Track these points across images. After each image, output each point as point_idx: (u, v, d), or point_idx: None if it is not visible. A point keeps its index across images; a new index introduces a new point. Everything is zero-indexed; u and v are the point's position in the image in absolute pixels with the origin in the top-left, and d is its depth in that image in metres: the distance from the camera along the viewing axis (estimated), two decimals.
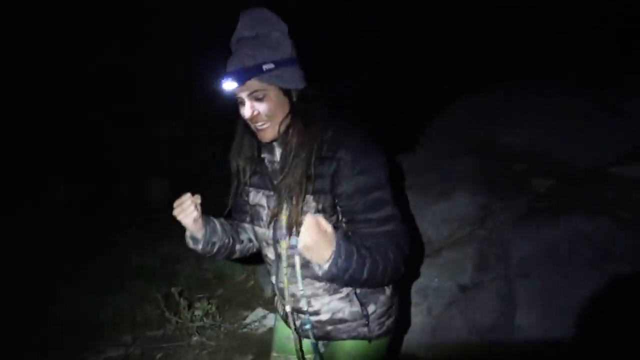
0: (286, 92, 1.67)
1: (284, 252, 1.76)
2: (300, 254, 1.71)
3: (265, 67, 1.60)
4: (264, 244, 1.88)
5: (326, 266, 1.49)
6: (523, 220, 3.27)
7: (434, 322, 3.27)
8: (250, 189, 1.88)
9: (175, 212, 1.81)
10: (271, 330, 3.85)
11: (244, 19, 1.67)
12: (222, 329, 3.97)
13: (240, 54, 1.63)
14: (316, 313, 1.85)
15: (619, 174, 3.42)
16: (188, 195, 1.83)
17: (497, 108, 4.42)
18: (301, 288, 1.79)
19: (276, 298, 2.11)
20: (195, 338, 3.85)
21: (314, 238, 1.44)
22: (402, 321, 2.11)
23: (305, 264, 1.73)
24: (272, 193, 1.79)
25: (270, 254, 1.85)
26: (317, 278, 1.73)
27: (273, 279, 1.89)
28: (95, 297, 4.49)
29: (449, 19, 7.02)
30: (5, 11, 7.17)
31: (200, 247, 1.92)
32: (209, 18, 7.89)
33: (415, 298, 3.29)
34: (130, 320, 4.18)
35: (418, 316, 3.28)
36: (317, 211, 1.66)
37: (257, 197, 1.86)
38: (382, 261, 1.57)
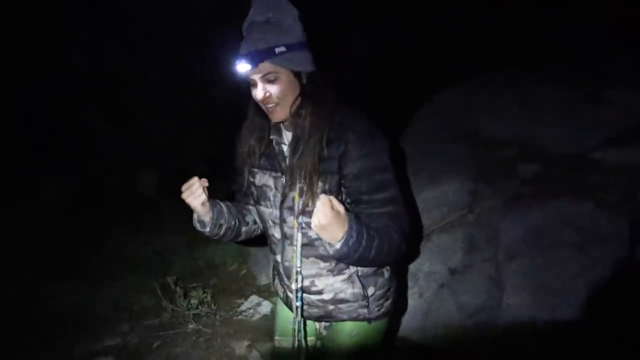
0: (297, 75, 1.73)
1: (293, 232, 1.80)
2: (305, 234, 1.78)
3: (277, 50, 1.67)
4: (270, 223, 1.93)
5: (338, 245, 1.56)
6: (510, 204, 3.36)
7: (425, 305, 3.37)
8: (257, 170, 1.94)
9: (184, 195, 1.87)
10: (266, 317, 3.98)
11: (256, 3, 1.73)
12: (218, 316, 4.03)
13: (252, 37, 1.69)
14: (319, 292, 1.92)
15: (602, 159, 3.50)
16: (195, 178, 1.88)
17: (484, 96, 4.50)
18: (299, 265, 1.82)
19: (276, 281, 2.18)
20: (191, 326, 3.90)
21: (329, 217, 1.50)
22: (399, 303, 2.18)
23: (310, 244, 1.80)
24: (279, 174, 1.85)
25: (277, 233, 1.91)
26: (322, 258, 1.82)
27: (278, 257, 1.95)
28: (92, 289, 4.52)
29: (436, 9, 7.09)
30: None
31: (207, 229, 1.98)
32: (200, 12, 7.91)
33: (407, 285, 3.39)
34: (127, 310, 4.22)
35: (410, 299, 3.37)
36: (323, 191, 1.72)
37: (264, 179, 1.91)
38: (388, 241, 1.65)
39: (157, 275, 4.53)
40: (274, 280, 2.21)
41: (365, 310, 1.94)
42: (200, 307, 4.03)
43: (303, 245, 1.80)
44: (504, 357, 3.07)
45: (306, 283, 1.90)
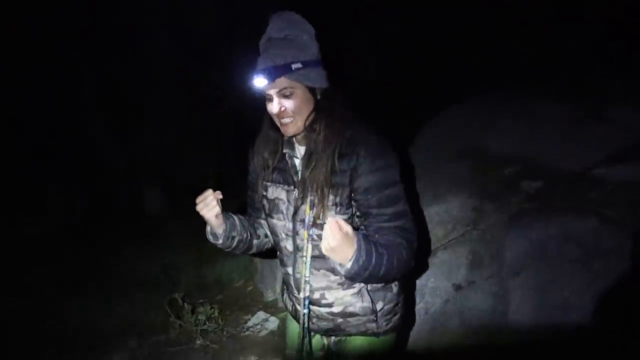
0: (311, 91, 1.80)
1: (305, 243, 1.85)
2: (316, 246, 1.81)
3: (294, 66, 1.73)
4: (283, 235, 1.97)
5: (348, 265, 1.61)
6: (514, 220, 3.40)
7: (431, 321, 3.40)
8: (269, 184, 1.98)
9: (199, 208, 1.91)
10: (273, 333, 4.02)
11: (274, 21, 1.80)
12: (225, 332, 4.08)
13: (270, 53, 1.75)
14: (329, 305, 1.95)
15: (604, 176, 3.55)
16: (210, 191, 1.92)
17: (486, 114, 4.57)
18: (307, 275, 1.88)
19: (284, 295, 2.22)
20: (199, 341, 3.94)
21: (337, 239, 1.55)
22: (407, 318, 2.20)
23: (322, 256, 1.84)
24: (291, 187, 1.89)
25: (289, 245, 1.95)
26: (333, 271, 1.86)
27: (289, 269, 1.99)
28: (100, 305, 4.58)
29: (437, 27, 7.18)
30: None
31: (220, 241, 2.02)
32: (205, 27, 8.00)
33: (414, 297, 3.43)
34: (136, 325, 4.27)
35: (416, 315, 3.41)
36: (334, 204, 1.78)
37: (277, 192, 1.95)
38: (396, 257, 1.70)
39: (164, 291, 4.58)
40: (282, 294, 2.25)
41: (374, 325, 1.97)
42: (207, 323, 4.07)
43: (314, 257, 1.85)
44: None
45: (316, 295, 1.94)
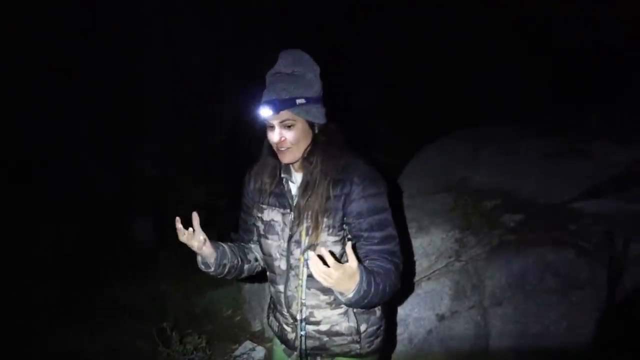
0: (311, 125, 1.93)
1: (299, 264, 1.96)
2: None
3: (298, 101, 1.86)
4: (277, 255, 2.04)
5: (350, 295, 1.69)
6: (495, 252, 3.52)
7: (415, 351, 3.46)
8: (265, 206, 2.07)
9: (184, 239, 1.97)
10: None
11: (284, 57, 1.93)
12: None
13: (277, 86, 1.88)
14: (317, 323, 2.02)
15: (581, 209, 3.70)
16: (179, 225, 1.97)
17: (470, 149, 4.72)
18: (304, 298, 1.98)
19: (271, 317, 2.28)
20: None
21: (334, 279, 1.63)
22: (389, 342, 2.27)
23: (312, 276, 1.94)
24: (288, 211, 1.99)
25: (282, 264, 2.03)
26: (323, 291, 1.95)
27: (280, 287, 2.06)
28: (88, 334, 4.57)
29: (423, 65, 7.36)
30: None
31: (212, 269, 2.10)
32: (198, 58, 8.11)
33: (397, 328, 3.50)
34: (123, 354, 4.28)
35: (400, 345, 3.46)
36: (327, 226, 1.89)
37: (272, 214, 2.04)
38: (388, 284, 1.80)
39: (153, 320, 4.58)
40: (268, 317, 2.30)
41: (357, 346, 2.05)
42: (195, 352, 4.08)
43: (307, 277, 1.95)
44: None
45: (305, 314, 2.02)
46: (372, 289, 1.72)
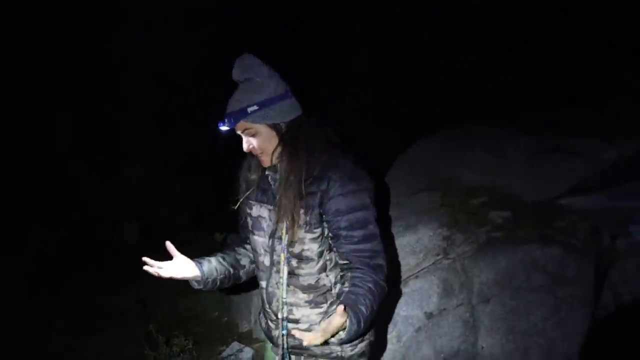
0: (274, 127, 1.90)
1: (281, 265, 1.94)
2: (289, 263, 1.93)
3: (249, 109, 1.86)
4: (262, 251, 2.05)
5: (343, 336, 1.73)
6: (482, 249, 3.50)
7: (403, 349, 3.44)
8: (254, 203, 2.07)
9: (162, 273, 2.03)
10: None
11: (235, 66, 1.93)
12: None
13: (233, 98, 1.90)
14: (296, 321, 2.00)
15: (568, 205, 3.70)
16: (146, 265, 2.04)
17: (456, 147, 4.71)
18: (284, 296, 1.96)
19: (261, 314, 2.26)
20: None
21: (330, 334, 1.69)
22: (376, 345, 2.20)
23: (291, 272, 1.94)
24: (272, 207, 1.98)
25: (266, 261, 2.03)
26: (302, 289, 1.94)
27: (263, 283, 2.06)
28: (74, 338, 4.54)
29: (409, 63, 7.37)
30: None
31: (202, 287, 2.13)
32: (182, 63, 8.08)
33: (385, 326, 3.48)
34: (110, 357, 4.24)
35: (388, 343, 3.44)
36: (305, 223, 1.87)
37: (260, 210, 2.05)
38: (375, 301, 1.81)
39: (139, 324, 4.56)
40: (259, 314, 2.29)
41: (339, 349, 2.00)
42: (182, 354, 4.05)
43: (287, 274, 1.95)
44: None
45: (285, 311, 2.00)
46: (362, 321, 1.74)
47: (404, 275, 3.60)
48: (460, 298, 3.42)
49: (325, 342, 1.91)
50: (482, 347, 3.28)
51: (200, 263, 2.10)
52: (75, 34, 7.78)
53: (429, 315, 3.43)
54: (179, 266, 2.05)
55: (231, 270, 2.18)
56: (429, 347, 3.38)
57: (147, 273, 1.98)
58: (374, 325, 2.10)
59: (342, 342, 1.80)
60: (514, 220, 3.68)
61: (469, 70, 6.93)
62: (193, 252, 2.14)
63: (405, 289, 3.54)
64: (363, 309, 1.75)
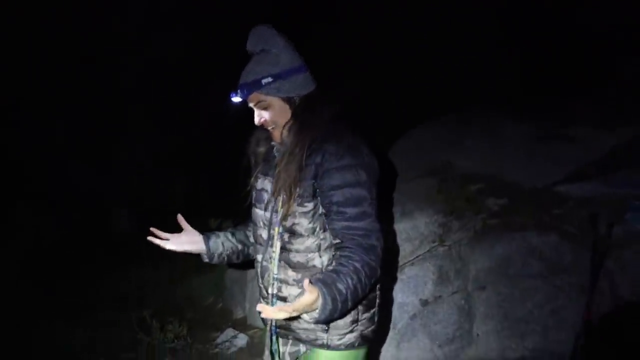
0: (288, 100, 1.86)
1: (275, 239, 1.90)
2: (282, 238, 1.88)
3: (264, 81, 1.81)
4: (261, 224, 2.00)
5: (316, 315, 1.64)
6: (479, 236, 3.49)
7: (398, 336, 3.43)
8: (260, 175, 2.04)
9: (167, 245, 2.02)
10: (241, 350, 4.01)
11: (249, 36, 1.88)
12: (194, 349, 4.05)
13: (246, 69, 1.85)
14: (284, 299, 1.93)
15: (565, 192, 3.68)
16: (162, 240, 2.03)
17: (454, 133, 4.68)
18: (275, 272, 1.92)
19: (258, 292, 2.22)
20: (167, 359, 3.91)
21: (300, 311, 1.60)
22: (371, 337, 2.08)
23: (283, 246, 1.89)
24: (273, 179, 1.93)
25: (264, 234, 1.98)
26: (291, 265, 1.89)
27: (259, 257, 2.02)
28: (68, 323, 4.53)
29: (405, 49, 7.33)
30: None
31: (208, 261, 2.12)
32: (174, 49, 8.03)
33: (382, 317, 3.45)
34: (103, 344, 4.22)
35: (381, 331, 3.44)
36: (299, 196, 1.81)
37: (264, 183, 2.01)
38: (360, 282, 1.70)
39: (133, 309, 4.54)
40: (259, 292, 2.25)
41: (324, 335, 1.93)
42: (176, 340, 4.04)
43: (279, 249, 1.90)
44: None
45: (275, 287, 1.95)
46: (339, 301, 1.64)
47: (399, 262, 3.58)
48: (456, 285, 3.41)
49: (296, 319, 1.85)
50: (478, 335, 3.27)
51: (207, 237, 2.10)
52: (71, 24, 7.72)
53: (424, 303, 3.42)
54: (186, 239, 2.05)
55: (239, 246, 2.16)
56: (424, 334, 3.37)
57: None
58: (370, 312, 2.03)
59: (317, 322, 1.68)
60: (511, 207, 3.67)
61: (466, 57, 6.90)
62: None
63: (400, 276, 3.52)
64: (342, 287, 1.65)
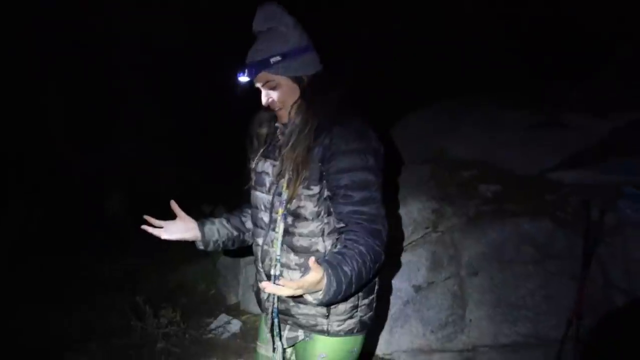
0: (296, 79, 1.81)
1: (278, 221, 1.85)
2: (285, 221, 1.84)
3: (272, 60, 1.76)
4: (262, 207, 1.96)
5: (320, 296, 1.58)
6: (472, 223, 3.50)
7: (391, 321, 3.45)
8: (259, 158, 1.99)
9: (162, 234, 1.99)
10: (235, 336, 4.02)
11: (256, 14, 1.83)
12: (187, 335, 4.04)
13: (254, 48, 1.80)
14: None
15: (559, 179, 3.70)
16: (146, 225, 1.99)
17: (448, 121, 4.68)
18: (279, 253, 1.87)
19: (256, 276, 2.14)
20: (160, 345, 3.90)
21: (305, 289, 1.54)
22: (369, 323, 2.04)
23: (286, 229, 1.84)
24: (276, 162, 1.88)
25: (265, 217, 1.93)
26: (294, 249, 1.85)
27: (260, 240, 1.97)
28: (60, 309, 4.50)
29: (403, 38, 7.31)
30: None
31: (203, 248, 2.09)
32: (170, 33, 7.97)
33: (380, 304, 3.46)
34: (96, 329, 4.21)
35: (376, 317, 3.44)
36: (305, 179, 1.77)
37: (265, 166, 1.95)
38: (364, 262, 1.66)
39: (126, 295, 4.54)
40: (255, 276, 2.18)
41: (325, 321, 1.91)
42: (169, 326, 4.03)
43: (283, 231, 1.86)
44: None
45: (277, 270, 1.90)
46: (344, 285, 1.60)
47: (393, 248, 3.59)
48: (449, 271, 3.42)
49: (297, 304, 1.89)
50: (470, 320, 3.29)
51: (202, 224, 2.06)
52: (63, 7, 7.64)
53: (418, 288, 3.43)
54: (180, 226, 2.02)
55: (234, 232, 2.13)
56: (417, 320, 3.39)
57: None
58: (369, 298, 2.00)
59: (320, 303, 1.62)
60: (504, 193, 3.68)
61: (462, 46, 6.89)
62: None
63: (394, 262, 3.53)
64: (347, 270, 1.61)
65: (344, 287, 1.60)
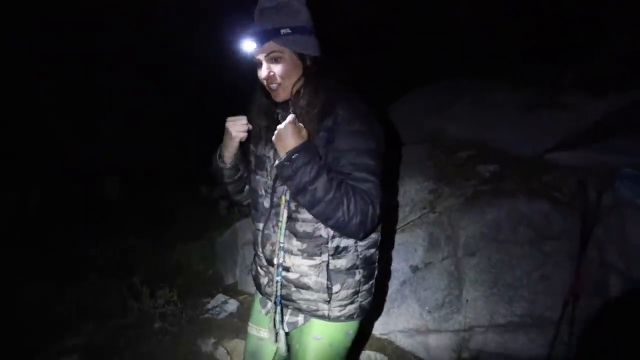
0: (300, 57, 1.81)
1: (281, 207, 1.86)
2: (289, 207, 1.84)
3: (282, 31, 1.75)
4: (262, 192, 1.96)
5: (283, 154, 1.62)
6: (469, 203, 3.49)
7: (388, 302, 3.46)
8: (260, 141, 1.99)
9: (228, 124, 1.95)
10: (232, 315, 4.02)
11: None
12: (184, 315, 4.05)
13: (261, 20, 1.78)
14: (286, 269, 1.91)
15: (556, 160, 3.70)
16: (244, 117, 1.96)
17: (444, 101, 4.66)
18: (282, 241, 1.87)
19: (252, 265, 2.17)
20: (157, 324, 3.92)
21: (288, 129, 1.61)
22: (368, 309, 2.08)
23: (289, 215, 1.85)
24: None
25: (266, 202, 1.94)
26: (297, 235, 1.85)
27: (260, 225, 1.97)
28: (57, 290, 4.51)
29: (399, 19, 7.26)
30: None
31: (227, 166, 2.06)
32: (164, 13, 7.90)
33: (378, 290, 3.46)
34: (92, 310, 4.22)
35: (372, 297, 3.45)
36: None
37: (265, 150, 1.96)
38: (346, 196, 1.65)
39: (122, 276, 4.54)
40: (252, 263, 2.20)
41: (326, 306, 1.93)
42: (166, 306, 4.04)
43: (286, 218, 1.86)
44: (464, 349, 3.19)
45: (279, 256, 1.91)
46: (314, 171, 1.63)
47: (389, 228, 3.59)
48: (446, 251, 3.43)
49: (306, 287, 1.91)
50: (467, 300, 3.30)
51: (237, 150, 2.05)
52: None
53: (415, 269, 3.44)
54: (241, 137, 1.98)
55: (245, 174, 2.14)
56: (413, 300, 3.40)
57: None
58: (369, 283, 2.03)
59: (278, 164, 1.69)
60: (501, 174, 3.68)
61: (459, 26, 6.85)
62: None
63: (390, 243, 3.53)
64: (320, 169, 1.66)
65: (309, 172, 1.64)
